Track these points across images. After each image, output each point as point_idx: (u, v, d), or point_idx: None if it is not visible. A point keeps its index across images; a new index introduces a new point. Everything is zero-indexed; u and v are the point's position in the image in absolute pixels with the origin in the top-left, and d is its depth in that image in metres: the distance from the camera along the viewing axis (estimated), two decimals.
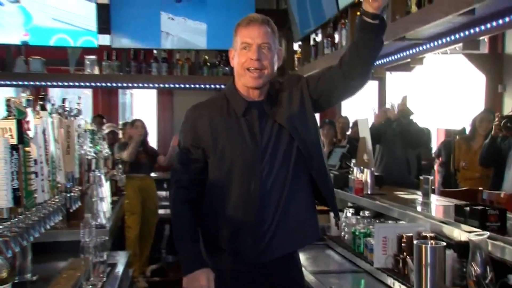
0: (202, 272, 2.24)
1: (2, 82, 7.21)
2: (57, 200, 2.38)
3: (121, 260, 3.10)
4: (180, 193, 2.35)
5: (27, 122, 1.95)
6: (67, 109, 2.81)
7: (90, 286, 2.45)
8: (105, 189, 3.55)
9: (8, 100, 1.94)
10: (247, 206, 2.29)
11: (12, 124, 1.81)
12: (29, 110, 2.02)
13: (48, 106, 2.38)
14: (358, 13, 2.13)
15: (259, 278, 2.36)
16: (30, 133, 1.99)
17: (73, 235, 2.75)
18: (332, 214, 4.10)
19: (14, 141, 1.81)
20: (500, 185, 4.90)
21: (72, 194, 2.64)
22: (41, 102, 2.36)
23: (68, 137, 2.56)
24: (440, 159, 6.96)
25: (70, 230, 3.06)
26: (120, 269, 2.91)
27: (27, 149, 1.95)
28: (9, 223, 1.79)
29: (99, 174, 3.43)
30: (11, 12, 6.95)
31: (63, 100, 2.79)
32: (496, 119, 4.79)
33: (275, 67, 2.38)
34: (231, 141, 2.31)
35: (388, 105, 6.20)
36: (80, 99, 4.34)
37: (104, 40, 7.22)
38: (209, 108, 2.37)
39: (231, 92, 2.39)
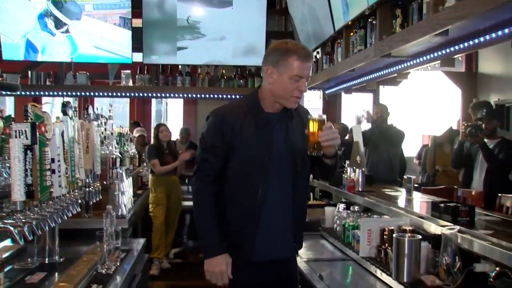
0: (222, 257, 2.17)
1: (55, 93, 7.32)
2: (76, 194, 2.29)
3: (137, 246, 3.01)
4: (205, 186, 2.23)
5: (44, 125, 1.86)
6: (89, 114, 2.74)
7: (105, 269, 2.37)
8: (126, 184, 3.47)
9: (26, 105, 1.86)
10: (254, 208, 2.20)
11: (26, 127, 1.72)
12: (48, 115, 1.92)
13: (70, 112, 2.28)
14: None
15: (269, 273, 2.27)
16: (48, 135, 1.89)
17: (97, 223, 2.67)
18: (328, 208, 4.01)
19: (28, 142, 1.72)
20: (469, 184, 4.83)
21: (90, 189, 2.55)
22: (63, 108, 2.28)
23: (87, 139, 2.47)
24: (420, 161, 6.85)
25: (95, 219, 2.98)
26: (134, 254, 2.81)
27: (44, 149, 1.85)
28: (22, 214, 1.70)
29: (120, 171, 3.36)
30: (61, 42, 6.88)
31: (87, 107, 2.73)
32: (463, 127, 4.67)
33: None
34: (248, 148, 2.21)
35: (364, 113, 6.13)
36: (112, 106, 4.27)
37: (137, 57, 7.20)
38: (231, 115, 2.25)
39: (254, 104, 2.27)
